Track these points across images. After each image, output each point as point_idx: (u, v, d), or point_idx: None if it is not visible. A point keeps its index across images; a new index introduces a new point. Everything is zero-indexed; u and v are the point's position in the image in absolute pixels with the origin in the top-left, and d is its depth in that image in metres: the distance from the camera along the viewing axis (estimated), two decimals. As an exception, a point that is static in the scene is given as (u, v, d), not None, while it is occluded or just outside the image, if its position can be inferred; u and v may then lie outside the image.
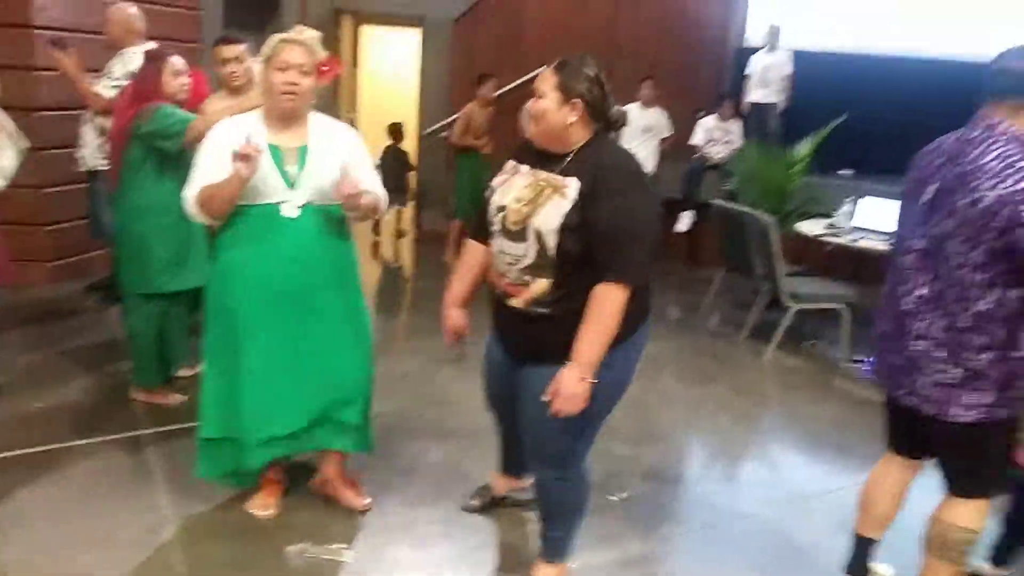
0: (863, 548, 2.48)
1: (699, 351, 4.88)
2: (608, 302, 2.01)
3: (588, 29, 8.12)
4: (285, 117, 2.44)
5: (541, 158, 2.17)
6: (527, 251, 2.09)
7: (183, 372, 3.67)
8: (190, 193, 2.46)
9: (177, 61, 3.30)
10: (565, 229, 2.02)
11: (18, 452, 3.07)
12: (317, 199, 2.44)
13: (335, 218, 2.51)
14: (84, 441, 3.19)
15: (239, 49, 3.67)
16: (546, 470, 2.33)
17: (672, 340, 4.92)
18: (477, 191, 6.43)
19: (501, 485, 2.88)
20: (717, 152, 7.08)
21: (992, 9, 7.46)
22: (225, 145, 2.38)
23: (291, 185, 2.42)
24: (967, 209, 1.94)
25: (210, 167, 2.41)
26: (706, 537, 2.89)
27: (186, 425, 3.34)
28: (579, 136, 2.12)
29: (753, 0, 8.29)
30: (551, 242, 2.04)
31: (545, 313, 2.10)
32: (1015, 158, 1.90)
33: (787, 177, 5.80)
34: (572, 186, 2.05)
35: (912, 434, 2.29)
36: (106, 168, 4.25)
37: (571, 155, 2.11)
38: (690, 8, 8.26)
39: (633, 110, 6.81)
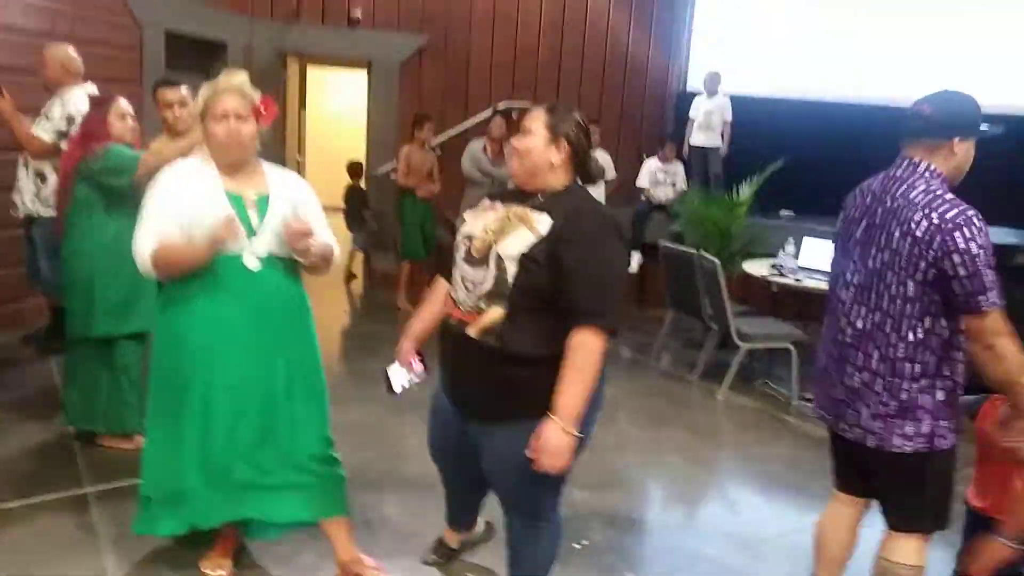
0: None
1: (653, 392, 4.93)
2: (588, 349, 1.98)
3: (533, 73, 8.29)
4: (233, 167, 2.39)
5: (515, 197, 2.18)
6: (486, 277, 2.07)
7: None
8: (144, 249, 2.35)
9: (123, 103, 3.30)
10: (527, 260, 2.01)
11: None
12: (277, 249, 2.40)
13: (293, 269, 2.47)
14: (23, 502, 3.03)
15: (181, 92, 3.63)
16: (520, 519, 2.31)
17: (625, 382, 4.96)
18: (423, 231, 6.49)
19: (453, 539, 2.84)
20: (663, 193, 7.25)
21: (921, 54, 7.86)
22: (175, 192, 2.33)
23: (252, 235, 2.36)
24: (900, 242, 2.04)
25: (161, 217, 2.33)
26: (669, 583, 2.88)
27: (135, 481, 3.20)
28: (559, 180, 2.13)
29: (694, 46, 8.58)
30: (511, 269, 2.03)
31: (494, 347, 2.05)
32: (939, 191, 2.04)
33: (730, 219, 5.96)
34: (543, 222, 2.04)
35: (857, 470, 2.34)
36: (46, 215, 4.14)
37: (546, 196, 2.12)
38: (632, 53, 8.51)
39: None
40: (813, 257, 5.35)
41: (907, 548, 2.20)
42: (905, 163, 2.13)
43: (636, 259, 7.16)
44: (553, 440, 1.96)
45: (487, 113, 7.61)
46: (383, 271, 7.59)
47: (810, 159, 7.27)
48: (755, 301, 6.25)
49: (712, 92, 7.51)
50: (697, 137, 7.57)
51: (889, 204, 2.10)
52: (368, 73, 8.18)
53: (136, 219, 3.31)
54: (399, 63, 7.94)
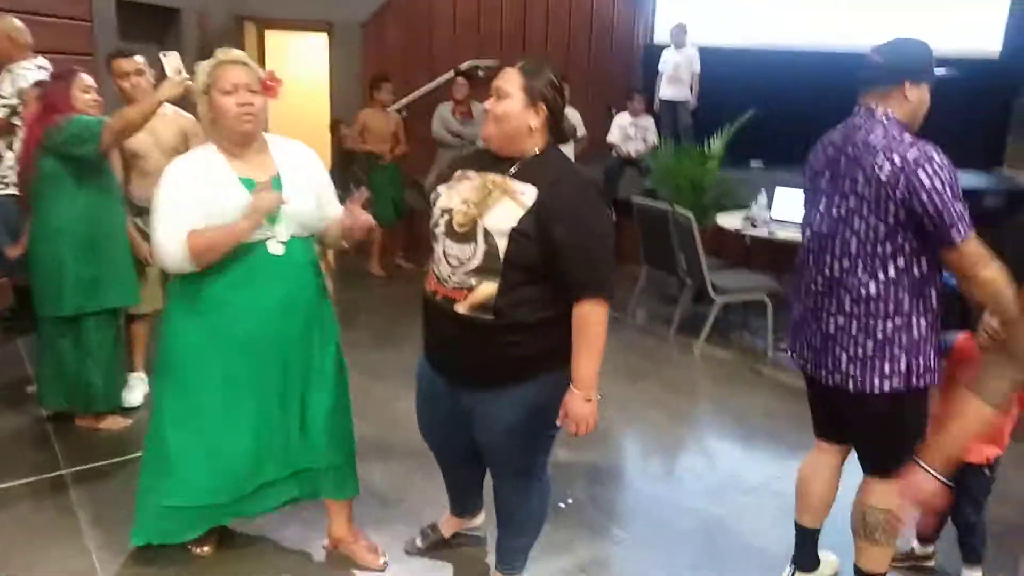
0: (808, 539, 2.55)
1: (629, 348, 4.96)
2: (595, 320, 2.01)
3: (498, 31, 8.15)
4: (244, 143, 2.27)
5: (489, 162, 2.11)
6: (475, 252, 2.02)
7: (132, 401, 3.62)
8: (173, 242, 2.19)
9: (86, 77, 3.22)
10: (517, 234, 1.98)
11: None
12: (299, 231, 2.32)
13: (313, 249, 2.42)
14: (1, 486, 3.00)
15: (138, 61, 3.54)
16: (511, 481, 2.32)
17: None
18: (390, 197, 6.40)
19: (450, 526, 2.77)
20: (634, 148, 7.21)
21: (893, 1, 7.86)
22: (187, 185, 2.21)
23: (273, 220, 2.26)
24: (864, 187, 2.07)
25: (180, 211, 2.19)
26: (654, 536, 2.93)
27: (112, 460, 3.20)
28: (536, 143, 2.07)
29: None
30: (501, 244, 1.99)
31: (488, 321, 2.03)
32: (896, 135, 2.07)
33: (702, 172, 5.96)
34: (528, 193, 2.00)
35: (836, 417, 2.38)
36: (2, 193, 4.03)
37: (523, 161, 2.06)
38: (598, 8, 8.41)
39: None
40: (786, 208, 5.37)
41: (883, 491, 2.24)
42: (862, 110, 2.17)
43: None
44: (580, 409, 2.04)
45: (451, 74, 7.50)
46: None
47: (779, 109, 7.26)
48: (728, 254, 6.28)
49: (679, 44, 7.45)
50: (666, 90, 7.54)
51: (851, 152, 2.12)
52: (329, 36, 8.00)
53: (106, 190, 3.26)
54: (360, 24, 7.77)
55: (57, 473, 3.11)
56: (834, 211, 2.15)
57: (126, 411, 3.58)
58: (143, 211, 3.55)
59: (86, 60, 5.44)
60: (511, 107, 2.03)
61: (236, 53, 2.28)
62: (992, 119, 7.56)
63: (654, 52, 8.40)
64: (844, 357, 2.18)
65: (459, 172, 2.17)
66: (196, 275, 2.25)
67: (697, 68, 7.48)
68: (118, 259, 3.31)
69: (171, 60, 3.01)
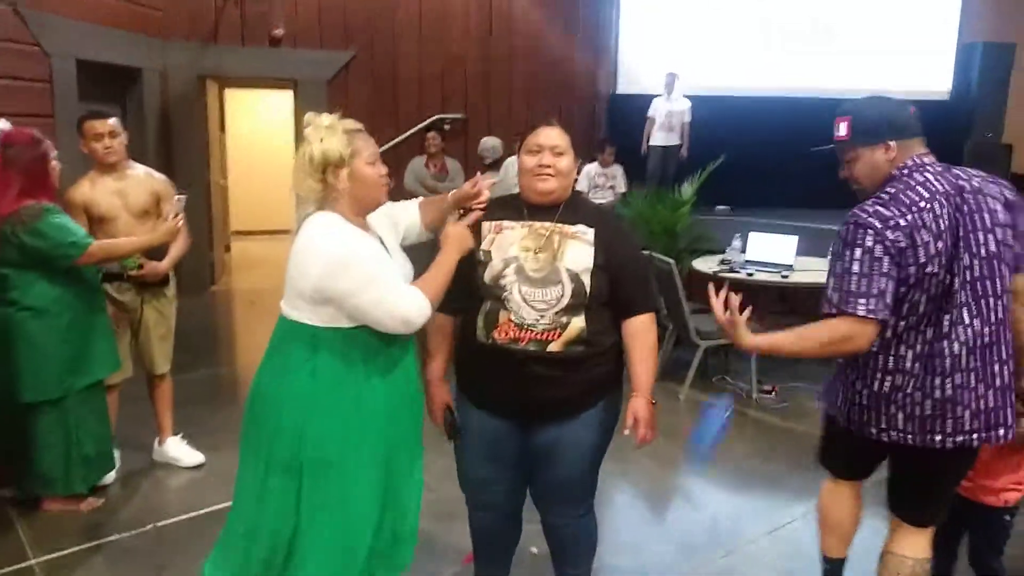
0: (837, 570, 2.48)
1: (614, 397, 4.86)
2: (650, 331, 2.21)
3: (461, 87, 8.20)
4: (360, 214, 2.09)
5: (528, 212, 2.20)
6: (563, 292, 2.13)
7: (107, 480, 3.41)
8: (414, 303, 2.00)
9: (51, 145, 3.02)
10: (597, 268, 2.14)
11: None
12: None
13: None
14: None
15: (111, 123, 3.41)
16: (570, 512, 2.37)
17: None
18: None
19: None
20: (602, 197, 7.23)
21: (845, 48, 8.11)
22: (361, 243, 2.02)
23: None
24: (1005, 214, 2.01)
25: (388, 268, 2.05)
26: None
27: (86, 545, 2.98)
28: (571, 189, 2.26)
29: (622, 47, 8.64)
30: (587, 280, 2.13)
31: (581, 352, 2.15)
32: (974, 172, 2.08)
33: (675, 217, 5.97)
34: (586, 232, 2.16)
35: (872, 463, 2.32)
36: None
37: (566, 206, 2.20)
38: (561, 60, 8.51)
39: (513, 163, 6.85)
40: (759, 250, 5.39)
41: (923, 542, 2.18)
42: (928, 156, 2.06)
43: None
44: (646, 412, 2.18)
45: (421, 126, 7.53)
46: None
47: (744, 153, 7.39)
48: (703, 298, 6.26)
49: (671, 93, 7.72)
50: (657, 137, 7.76)
51: (971, 187, 2.01)
52: (294, 93, 7.94)
53: (85, 273, 3.07)
54: (325, 81, 7.74)
55: (26, 564, 2.88)
56: (983, 250, 1.98)
57: (97, 489, 3.36)
58: (112, 277, 3.40)
59: (46, 122, 5.29)
60: (569, 162, 2.20)
61: (353, 123, 2.09)
62: (945, 158, 7.77)
63: (618, 102, 8.52)
64: (1010, 406, 2.04)
65: (489, 224, 2.23)
66: (339, 353, 2.01)
67: (688, 118, 7.76)
68: (100, 330, 3.14)
69: (180, 204, 3.17)
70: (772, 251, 5.33)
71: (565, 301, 2.12)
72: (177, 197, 3.35)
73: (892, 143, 2.02)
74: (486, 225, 2.24)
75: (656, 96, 7.87)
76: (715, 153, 6.54)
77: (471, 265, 2.19)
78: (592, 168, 7.28)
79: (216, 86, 8.10)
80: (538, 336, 2.13)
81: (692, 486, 3.84)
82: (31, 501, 3.23)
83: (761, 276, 5.13)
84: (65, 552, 2.95)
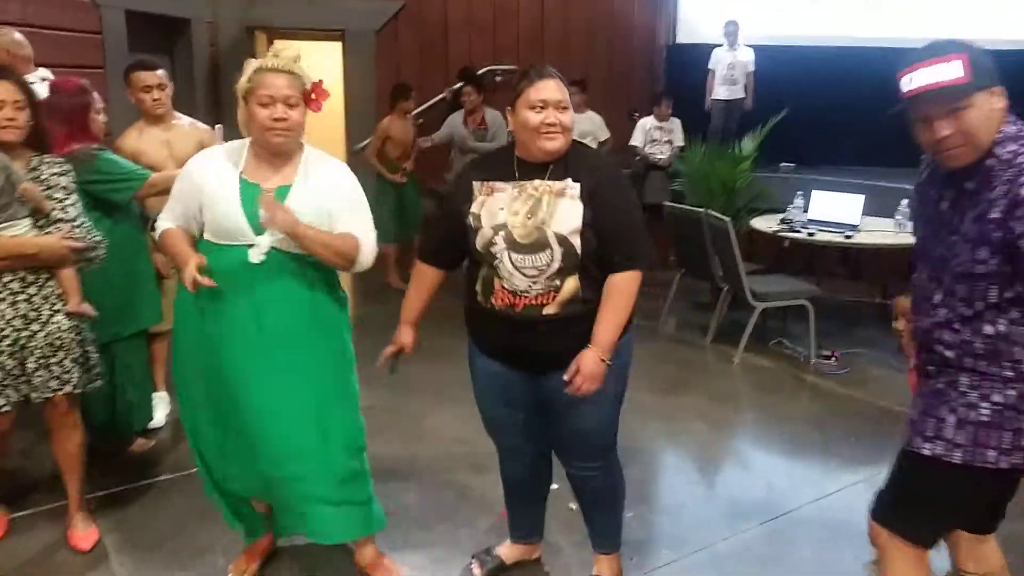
0: None
1: (663, 358, 4.89)
2: (628, 287, 2.18)
3: (514, 36, 8.16)
4: (275, 152, 2.26)
5: (519, 170, 2.20)
6: (552, 256, 2.14)
7: (153, 423, 3.57)
8: (159, 227, 2.36)
9: (97, 96, 3.15)
10: (585, 228, 2.12)
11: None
12: (286, 246, 2.24)
13: (312, 267, 2.29)
14: (19, 514, 2.96)
15: (160, 74, 3.53)
16: (592, 463, 2.42)
17: (635, 349, 4.89)
18: (405, 210, 6.36)
19: (511, 553, 2.71)
20: (659, 152, 7.17)
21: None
22: (197, 173, 2.29)
23: (258, 230, 2.21)
24: None
25: (178, 202, 2.32)
26: (706, 560, 2.84)
27: (137, 484, 3.17)
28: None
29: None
30: (576, 242, 2.13)
31: (579, 311, 2.16)
32: None
33: (735, 174, 5.90)
34: (574, 187, 2.14)
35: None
36: None
37: (558, 161, 2.17)
38: (618, 9, 8.38)
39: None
40: (823, 209, 5.31)
41: (994, 547, 2.10)
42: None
43: (636, 222, 7.08)
44: (592, 367, 2.16)
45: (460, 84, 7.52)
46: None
47: (811, 107, 7.22)
48: (761, 258, 6.22)
49: (733, 43, 7.48)
50: (719, 90, 7.53)
51: None
52: (342, 44, 8.02)
53: (129, 212, 3.22)
54: (374, 31, 7.79)
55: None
56: None
57: (147, 432, 3.55)
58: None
59: (97, 73, 5.48)
60: (572, 116, 2.18)
61: (284, 59, 2.22)
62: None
63: (677, 52, 8.38)
64: None
65: (481, 185, 2.23)
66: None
67: (752, 68, 7.53)
68: (144, 278, 3.29)
69: (219, 132, 3.16)
70: (836, 210, 5.25)
71: (556, 265, 2.13)
72: (217, 125, 3.42)
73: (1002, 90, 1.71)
74: (476, 185, 2.23)
75: (716, 46, 7.70)
76: (778, 107, 6.42)
77: (462, 226, 2.23)
78: (648, 122, 7.21)
79: (264, 37, 8.22)
80: (531, 301, 2.16)
81: (741, 450, 3.87)
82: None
83: (823, 236, 5.07)
84: (114, 490, 3.14)
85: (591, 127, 6.94)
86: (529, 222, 2.13)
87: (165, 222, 2.35)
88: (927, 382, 1.90)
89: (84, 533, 2.77)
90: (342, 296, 2.44)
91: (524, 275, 2.15)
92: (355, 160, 7.71)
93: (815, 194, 5.42)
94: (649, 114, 7.29)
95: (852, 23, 7.96)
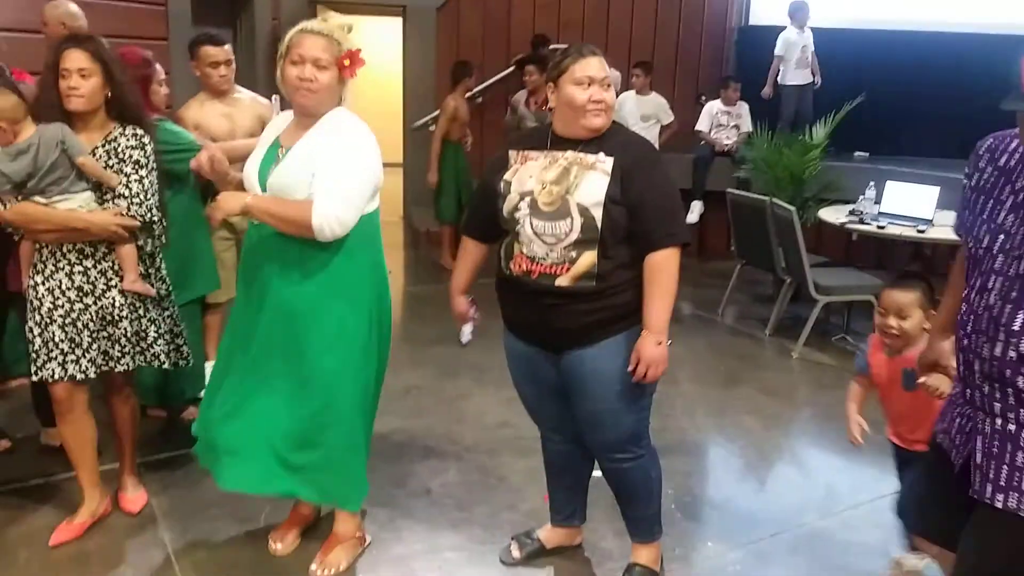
0: None
1: (720, 350, 4.84)
2: (669, 265, 2.19)
3: (579, 13, 8.09)
4: (303, 114, 2.35)
5: (548, 141, 2.27)
6: (572, 226, 2.16)
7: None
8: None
9: (160, 68, 3.24)
10: (609, 201, 2.15)
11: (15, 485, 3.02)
12: None
13: (314, 242, 2.29)
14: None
15: (227, 50, 3.63)
16: (620, 455, 2.41)
17: (689, 339, 4.86)
18: (462, 191, 6.41)
19: (552, 537, 2.73)
20: (725, 138, 7.06)
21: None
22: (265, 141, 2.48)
23: (264, 187, 2.34)
24: None
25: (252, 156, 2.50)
26: (755, 556, 2.82)
27: (185, 451, 3.27)
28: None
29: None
30: (597, 214, 2.15)
31: (592, 287, 2.18)
32: None
33: (803, 163, 5.77)
34: (607, 162, 2.17)
35: None
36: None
37: (594, 137, 2.22)
38: (687, -12, 8.24)
39: (629, 98, 6.77)
40: (896, 202, 5.17)
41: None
42: None
43: (698, 208, 7.00)
44: (652, 352, 2.18)
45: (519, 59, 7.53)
46: (423, 229, 7.55)
47: (885, 95, 7.00)
48: (828, 251, 6.09)
49: (803, 24, 7.10)
50: (796, 75, 7.13)
51: None
52: (403, 19, 8.07)
53: (184, 178, 3.32)
54: (435, 8, 7.81)
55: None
56: None
57: (198, 401, 3.66)
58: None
59: (160, 45, 5.62)
60: (614, 95, 2.24)
61: (320, 23, 2.30)
62: None
63: (749, 35, 8.21)
64: None
65: (516, 154, 2.31)
66: None
67: (812, 47, 7.14)
68: (201, 247, 3.39)
69: (276, 104, 3.23)
70: (910, 203, 5.10)
71: (574, 236, 2.15)
72: (274, 96, 3.49)
73: None
74: (512, 155, 2.31)
75: (782, 29, 7.41)
76: (853, 94, 6.24)
77: (496, 195, 2.28)
78: (715, 106, 7.10)
79: (327, 11, 8.33)
80: (546, 270, 2.20)
81: (794, 447, 3.81)
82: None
83: (894, 229, 4.94)
84: (163, 455, 3.26)
85: (654, 110, 6.88)
86: (555, 190, 2.17)
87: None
88: (985, 420, 1.63)
89: (134, 496, 2.89)
90: (361, 271, 2.41)
91: (543, 242, 2.19)
92: (413, 137, 7.79)
93: (888, 185, 5.28)
94: (716, 98, 7.17)
95: (930, 8, 7.68)
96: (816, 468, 3.59)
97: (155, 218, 2.63)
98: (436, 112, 7.32)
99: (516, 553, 2.69)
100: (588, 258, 2.17)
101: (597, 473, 2.64)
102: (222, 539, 2.74)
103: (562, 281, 2.18)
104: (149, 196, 2.60)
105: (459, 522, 2.90)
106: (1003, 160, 1.65)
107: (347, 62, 2.29)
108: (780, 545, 2.88)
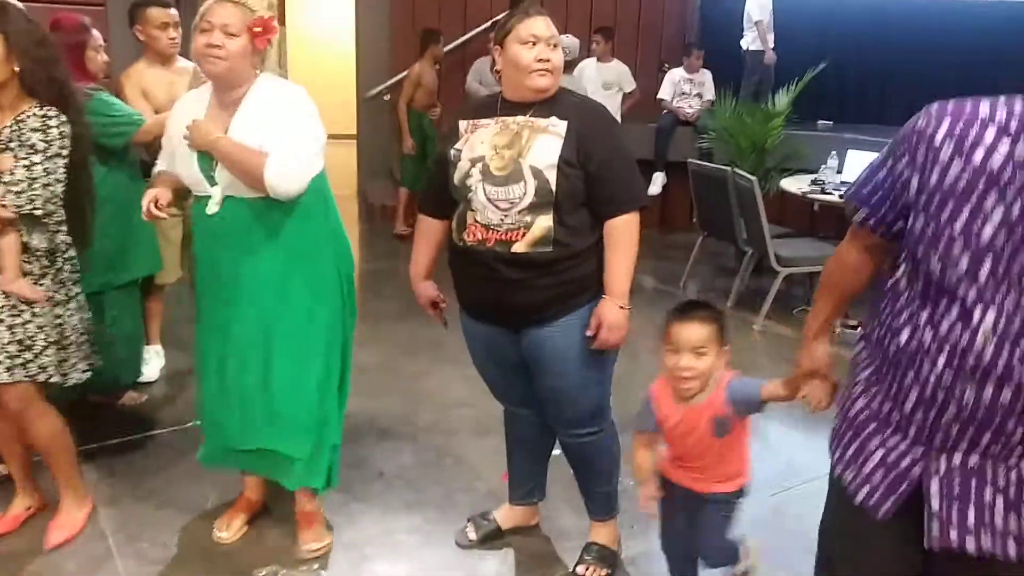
0: None
1: (682, 324, 4.87)
2: (630, 229, 2.21)
3: (539, -23, 8.01)
4: (218, 85, 2.31)
5: (497, 109, 2.25)
6: (526, 190, 2.14)
7: (147, 376, 3.66)
8: (156, 170, 2.50)
9: (98, 35, 3.16)
10: (563, 163, 2.14)
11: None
12: (240, 192, 2.28)
13: (278, 216, 2.32)
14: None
15: (174, 13, 3.57)
16: (581, 430, 2.42)
17: (650, 312, 4.81)
18: (427, 158, 6.38)
19: (510, 517, 2.74)
20: (688, 107, 7.07)
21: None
22: (176, 116, 2.40)
23: (212, 181, 2.29)
24: None
25: (167, 148, 2.44)
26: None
27: (127, 438, 3.23)
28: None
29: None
30: (551, 176, 2.13)
31: (550, 254, 2.16)
32: None
33: (765, 132, 5.81)
34: (558, 124, 2.17)
35: None
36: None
37: (543, 102, 2.21)
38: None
39: (589, 66, 6.74)
40: (858, 171, 5.20)
41: None
42: None
43: (660, 180, 7.03)
44: (613, 317, 2.20)
45: (486, 25, 7.45)
46: (377, 203, 7.48)
47: (848, 61, 7.06)
48: (791, 221, 6.16)
49: None
50: (759, 40, 7.07)
51: None
52: (356, -16, 7.94)
53: (122, 155, 3.24)
54: (389, -27, 7.69)
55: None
56: None
57: (140, 386, 3.61)
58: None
59: (97, 11, 5.46)
60: (561, 56, 2.21)
61: None
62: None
63: (713, 1, 8.20)
64: None
65: (467, 124, 2.29)
66: None
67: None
68: (140, 226, 3.29)
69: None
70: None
71: (528, 200, 2.13)
72: (193, 63, 3.46)
73: None
74: (463, 124, 2.29)
75: None
76: (816, 61, 6.28)
77: (448, 164, 2.26)
78: (677, 73, 7.11)
79: (274, -23, 8.16)
80: (502, 237, 2.17)
81: (755, 420, 3.80)
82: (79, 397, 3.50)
83: (855, 199, 4.99)
84: (106, 443, 3.20)
85: (615, 77, 6.85)
86: (507, 154, 2.16)
87: (160, 164, 2.47)
88: (940, 458, 1.47)
89: (62, 521, 2.65)
90: (323, 248, 2.45)
91: (497, 207, 2.16)
92: (366, 108, 7.69)
93: (850, 154, 5.34)
94: (679, 66, 7.17)
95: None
96: (777, 442, 3.63)
97: (41, 210, 2.33)
98: (391, 80, 7.26)
99: (472, 535, 2.69)
100: (543, 222, 2.15)
101: (556, 451, 2.65)
102: (165, 528, 2.71)
103: (518, 247, 2.15)
104: (34, 186, 2.29)
105: (413, 504, 2.90)
106: (979, 156, 1.34)
107: (259, 28, 2.24)
108: (747, 520, 2.91)
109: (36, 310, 2.39)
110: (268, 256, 2.35)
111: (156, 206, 2.29)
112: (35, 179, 2.29)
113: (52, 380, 2.44)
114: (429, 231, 2.44)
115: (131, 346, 3.42)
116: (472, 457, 3.21)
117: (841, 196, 4.76)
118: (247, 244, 2.33)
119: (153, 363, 3.74)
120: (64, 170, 2.36)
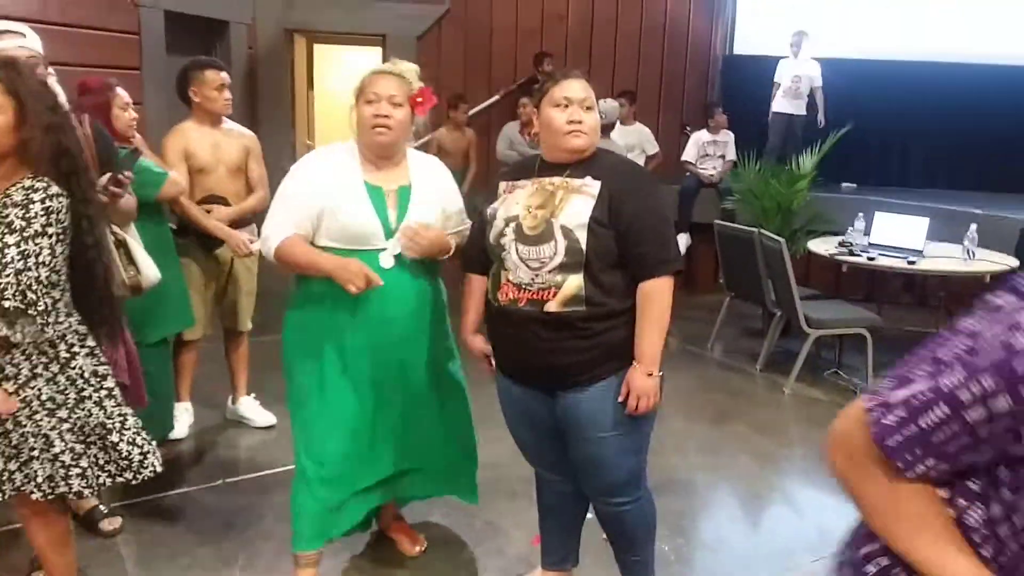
0: None
1: (710, 386, 4.87)
2: (661, 295, 2.21)
3: (561, 41, 8.21)
4: (381, 155, 2.46)
5: (540, 170, 2.31)
6: (556, 249, 2.18)
7: (176, 433, 3.68)
8: (273, 237, 2.42)
9: (123, 92, 3.25)
10: (594, 223, 2.16)
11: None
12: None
13: (430, 265, 2.54)
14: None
15: (227, 76, 3.71)
16: (617, 499, 2.39)
17: (678, 374, 4.87)
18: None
19: None
20: (711, 168, 7.16)
21: (996, 10, 7.66)
22: (314, 179, 2.44)
23: (390, 233, 2.42)
24: None
25: (296, 204, 2.43)
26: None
27: (156, 496, 3.24)
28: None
29: (741, 4, 8.43)
30: (581, 236, 2.16)
31: (583, 313, 2.18)
32: None
33: (791, 194, 5.86)
34: (592, 184, 2.21)
35: None
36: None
37: (579, 162, 2.26)
38: (672, 15, 8.39)
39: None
40: (885, 233, 5.26)
41: None
42: None
43: (684, 241, 7.08)
44: (642, 383, 2.21)
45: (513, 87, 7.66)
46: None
47: (872, 125, 7.14)
48: (818, 283, 6.16)
49: (797, 53, 7.26)
50: (781, 103, 7.27)
51: None
52: (383, 49, 8.16)
53: (154, 212, 3.32)
54: (415, 37, 7.91)
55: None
56: None
57: (170, 443, 3.63)
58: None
59: (132, 74, 5.64)
60: (597, 118, 2.28)
61: (391, 65, 2.48)
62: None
63: (734, 64, 8.36)
64: None
65: (506, 184, 2.37)
66: (312, 278, 2.44)
67: (819, 83, 7.26)
68: (172, 283, 3.35)
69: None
70: (899, 234, 5.19)
71: (558, 259, 2.17)
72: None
73: None
74: (502, 185, 2.38)
75: (781, 58, 7.57)
76: (840, 124, 6.36)
77: (486, 225, 2.34)
78: (702, 135, 7.21)
79: (304, 41, 8.41)
80: (534, 296, 2.20)
81: (786, 486, 3.83)
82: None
83: (885, 261, 5.01)
84: (136, 500, 3.21)
85: (638, 140, 6.97)
86: (540, 213, 2.21)
87: (281, 231, 2.41)
88: None
89: None
90: (442, 291, 2.68)
91: (528, 267, 2.21)
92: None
93: (877, 216, 5.37)
94: (702, 127, 7.28)
95: (919, 39, 7.86)
96: (809, 508, 3.60)
97: (11, 302, 1.95)
98: (415, 144, 7.40)
99: None
100: (574, 282, 2.17)
101: (590, 515, 2.64)
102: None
103: (551, 307, 2.18)
104: (6, 272, 1.94)
105: (445, 568, 2.88)
106: None
107: (420, 99, 2.43)
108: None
109: (20, 419, 2.09)
110: (430, 299, 2.57)
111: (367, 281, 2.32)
112: (6, 264, 1.94)
113: (35, 495, 2.16)
114: (476, 289, 2.48)
115: (162, 404, 3.44)
116: (504, 521, 3.19)
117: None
118: (415, 291, 2.49)
119: (183, 420, 3.77)
120: (52, 250, 2.01)
